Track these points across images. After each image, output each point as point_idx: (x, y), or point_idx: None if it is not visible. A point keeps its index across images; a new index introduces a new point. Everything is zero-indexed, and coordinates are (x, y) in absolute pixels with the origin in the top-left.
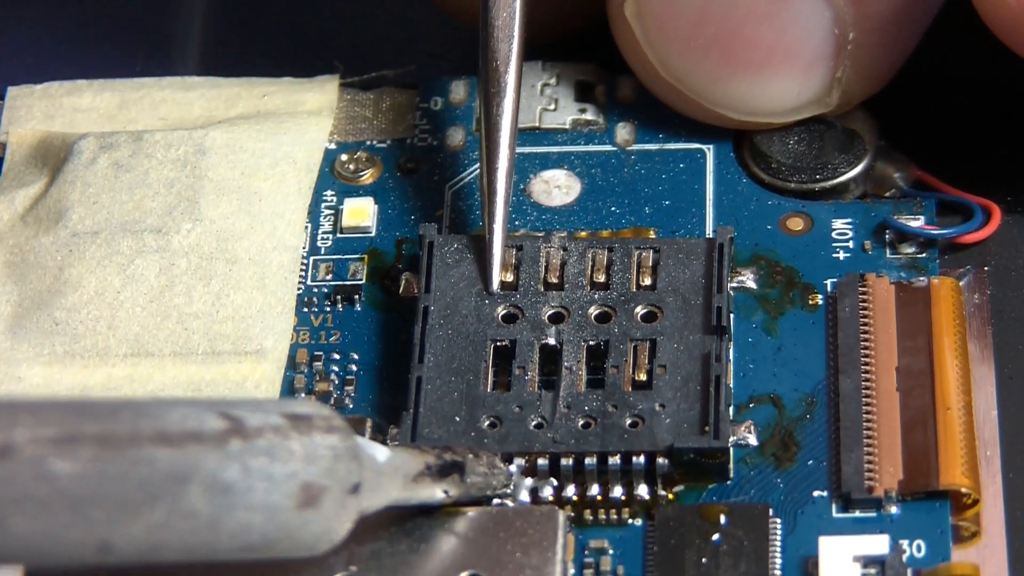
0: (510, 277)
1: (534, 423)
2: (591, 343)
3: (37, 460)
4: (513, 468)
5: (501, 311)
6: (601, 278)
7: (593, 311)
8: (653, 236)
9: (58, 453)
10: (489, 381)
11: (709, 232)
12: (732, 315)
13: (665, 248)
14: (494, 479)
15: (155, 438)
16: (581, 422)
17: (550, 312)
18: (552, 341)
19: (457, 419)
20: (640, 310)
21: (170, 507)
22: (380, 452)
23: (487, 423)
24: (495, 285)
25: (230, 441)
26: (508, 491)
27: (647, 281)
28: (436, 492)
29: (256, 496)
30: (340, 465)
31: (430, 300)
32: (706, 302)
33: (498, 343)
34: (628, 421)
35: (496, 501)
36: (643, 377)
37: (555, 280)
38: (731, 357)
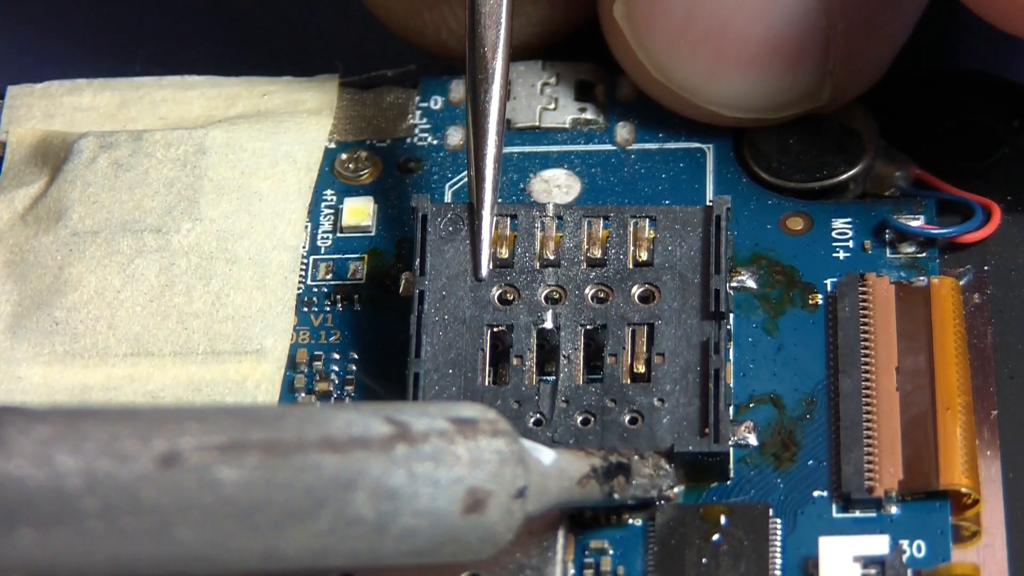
0: (505, 252)
1: (533, 419)
2: (588, 327)
3: (203, 468)
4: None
5: (496, 292)
6: (597, 253)
7: (589, 291)
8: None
9: (224, 461)
10: (487, 372)
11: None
12: (732, 297)
13: (661, 217)
14: (660, 480)
15: (321, 444)
16: (580, 418)
17: (546, 292)
18: (549, 325)
19: None
20: (637, 289)
21: (336, 513)
22: (546, 455)
23: None
24: (484, 272)
25: (396, 446)
26: (673, 493)
27: (643, 256)
28: (602, 494)
29: (422, 501)
30: (506, 469)
31: (425, 284)
32: (704, 283)
33: (495, 328)
34: (627, 418)
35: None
36: (641, 368)
37: (551, 256)
38: (731, 357)
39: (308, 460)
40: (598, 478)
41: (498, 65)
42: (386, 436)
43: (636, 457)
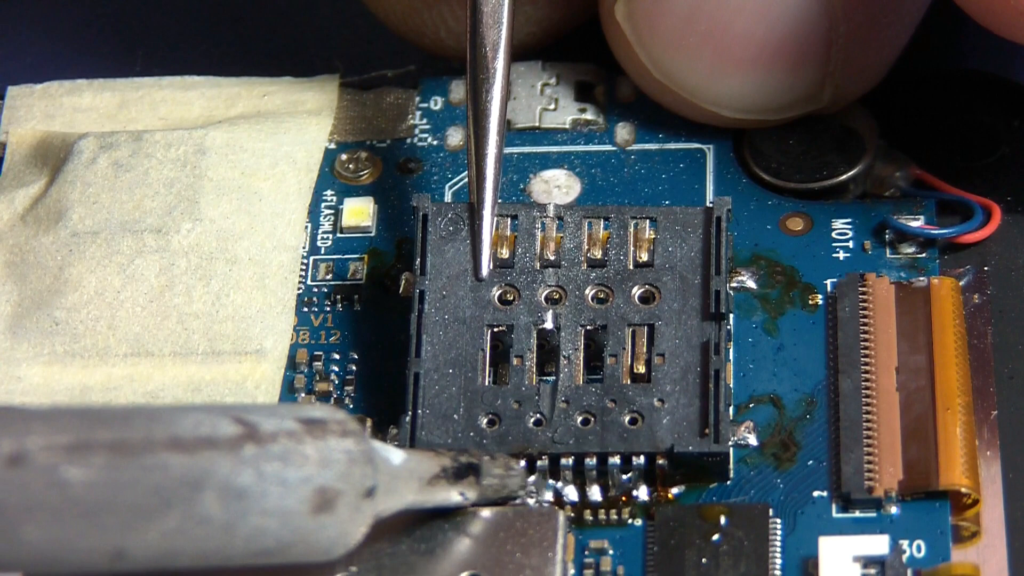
0: (505, 252)
1: (533, 420)
2: (588, 328)
3: (50, 468)
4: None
5: (497, 292)
6: (597, 254)
7: (590, 292)
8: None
9: (71, 460)
10: (487, 372)
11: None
12: (732, 298)
13: (662, 218)
14: (510, 480)
15: (168, 444)
16: (580, 418)
17: (546, 292)
18: (549, 325)
19: (456, 417)
20: (637, 290)
21: (184, 513)
22: (395, 455)
23: (485, 421)
24: (485, 272)
25: (244, 446)
26: (523, 493)
27: (644, 256)
28: (452, 495)
29: (270, 501)
30: (355, 469)
31: (425, 284)
32: (704, 284)
33: (495, 329)
34: (627, 418)
35: (514, 502)
36: (641, 368)
37: (551, 256)
38: (731, 357)
39: (156, 460)
40: (448, 478)
41: (499, 65)
42: (234, 436)
43: (486, 457)
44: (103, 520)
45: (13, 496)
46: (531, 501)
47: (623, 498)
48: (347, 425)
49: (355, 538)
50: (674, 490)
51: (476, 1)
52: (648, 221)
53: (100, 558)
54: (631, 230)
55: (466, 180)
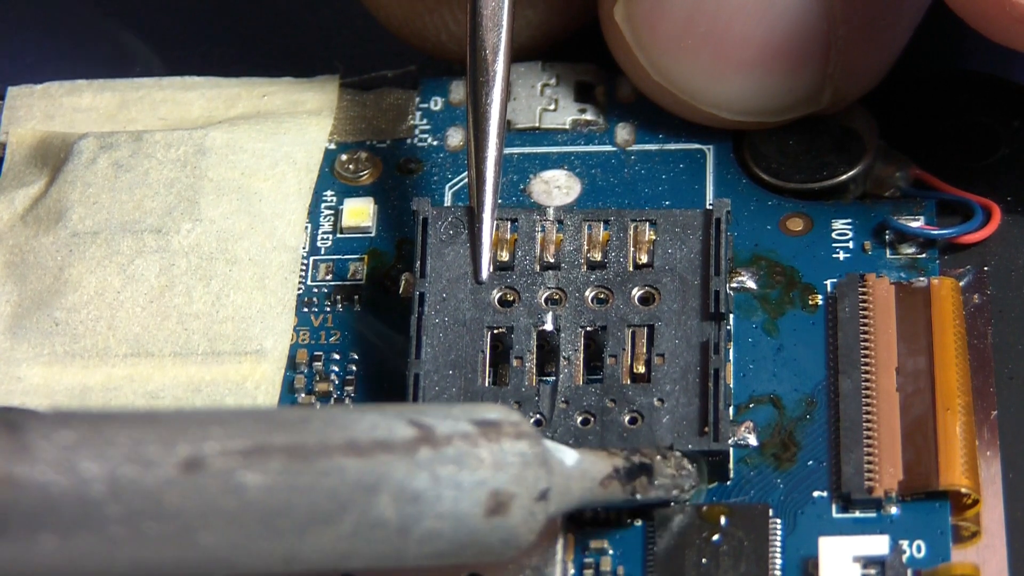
0: (505, 256)
1: (532, 420)
2: (588, 329)
3: (227, 473)
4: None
5: (497, 294)
6: (597, 256)
7: (590, 293)
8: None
9: (247, 465)
10: (487, 373)
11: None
12: (731, 298)
13: (662, 220)
14: (682, 480)
15: (344, 448)
16: (580, 418)
17: (546, 294)
18: (549, 327)
19: None
20: (637, 292)
21: (359, 517)
22: (568, 456)
23: None
24: (484, 276)
25: (419, 449)
26: (695, 492)
27: (644, 258)
28: (624, 495)
29: (445, 504)
30: (529, 472)
31: (425, 286)
32: (704, 284)
33: (495, 331)
34: (627, 418)
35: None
36: (641, 369)
37: (551, 259)
38: (731, 358)
39: (331, 464)
40: (620, 479)
41: (499, 68)
42: (409, 439)
43: (659, 457)
44: (279, 525)
45: (190, 502)
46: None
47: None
48: (521, 427)
49: (528, 539)
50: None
51: (476, 5)
52: (648, 223)
53: (275, 562)
54: (631, 232)
55: (466, 181)
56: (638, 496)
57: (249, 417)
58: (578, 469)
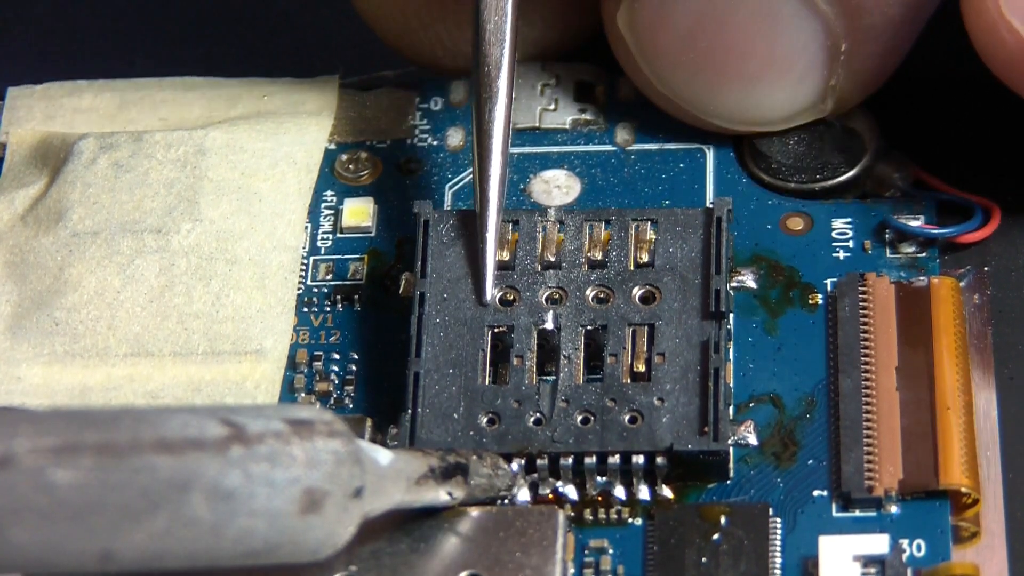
0: (506, 255)
1: (532, 419)
2: (589, 328)
3: (37, 470)
4: (515, 467)
5: (497, 294)
6: (598, 255)
7: (590, 292)
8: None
9: (58, 463)
10: (487, 372)
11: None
12: (731, 297)
13: (663, 219)
14: (498, 480)
15: (156, 446)
16: (580, 417)
17: (547, 293)
18: (550, 326)
19: (456, 416)
20: (638, 291)
21: (172, 515)
22: (383, 455)
23: (485, 420)
24: (488, 296)
25: (231, 447)
26: (512, 492)
27: (644, 258)
28: (440, 494)
29: (258, 502)
30: (342, 469)
31: (426, 286)
32: (704, 283)
33: (495, 329)
34: (627, 417)
35: (501, 502)
36: (641, 367)
37: (552, 258)
38: (731, 357)
39: (143, 461)
40: (436, 478)
41: (502, 83)
42: (221, 437)
43: (474, 457)
44: (91, 522)
45: (0, 498)
46: (521, 498)
47: (623, 497)
48: (334, 426)
49: (343, 538)
50: (672, 489)
51: (479, 22)
52: (649, 223)
53: (88, 559)
54: (632, 232)
55: (466, 181)
56: (453, 495)
57: (59, 415)
58: (392, 468)
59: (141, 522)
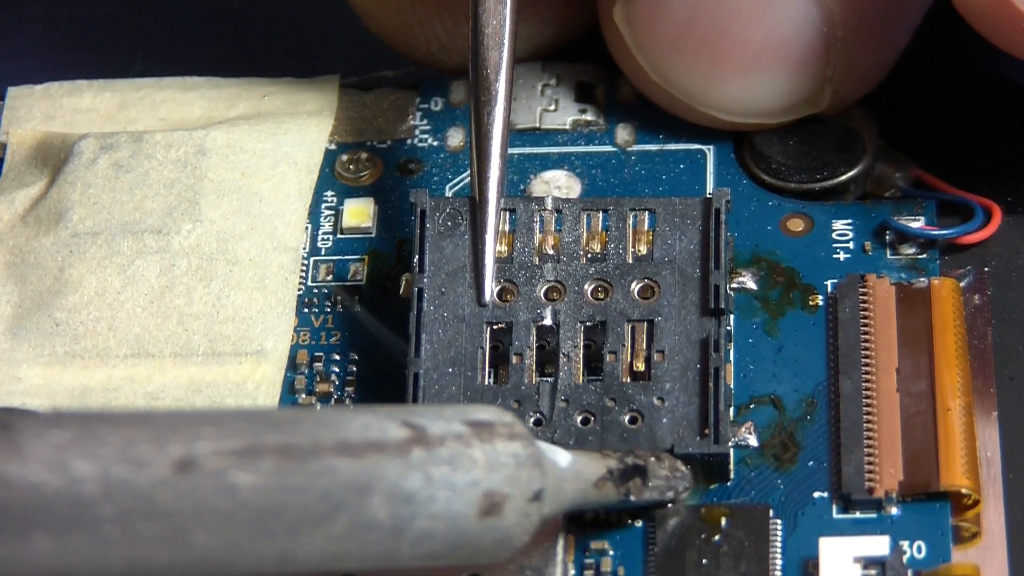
0: (504, 248)
1: (533, 419)
2: (588, 324)
3: (219, 473)
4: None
5: (496, 287)
6: (596, 247)
7: (589, 287)
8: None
9: (240, 465)
10: (486, 371)
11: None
12: (731, 298)
13: (661, 210)
14: (676, 482)
15: (337, 448)
16: (579, 418)
17: (546, 287)
18: (548, 321)
19: None
20: (636, 285)
21: (352, 518)
22: (562, 458)
23: None
24: (487, 297)
25: (412, 450)
26: (687, 494)
27: (643, 250)
28: (618, 496)
29: (438, 505)
30: (522, 473)
31: (423, 281)
32: (703, 278)
33: (494, 326)
34: (627, 417)
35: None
36: (641, 366)
37: (550, 251)
38: (731, 358)
39: (324, 464)
40: (614, 480)
41: (501, 86)
42: (402, 440)
43: (652, 459)
44: (271, 525)
45: (182, 502)
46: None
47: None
48: (514, 428)
49: (521, 541)
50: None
51: (477, 24)
52: (647, 213)
53: (268, 562)
54: (629, 223)
55: (466, 180)
56: (632, 498)
57: (241, 417)
58: (572, 470)
59: (321, 525)
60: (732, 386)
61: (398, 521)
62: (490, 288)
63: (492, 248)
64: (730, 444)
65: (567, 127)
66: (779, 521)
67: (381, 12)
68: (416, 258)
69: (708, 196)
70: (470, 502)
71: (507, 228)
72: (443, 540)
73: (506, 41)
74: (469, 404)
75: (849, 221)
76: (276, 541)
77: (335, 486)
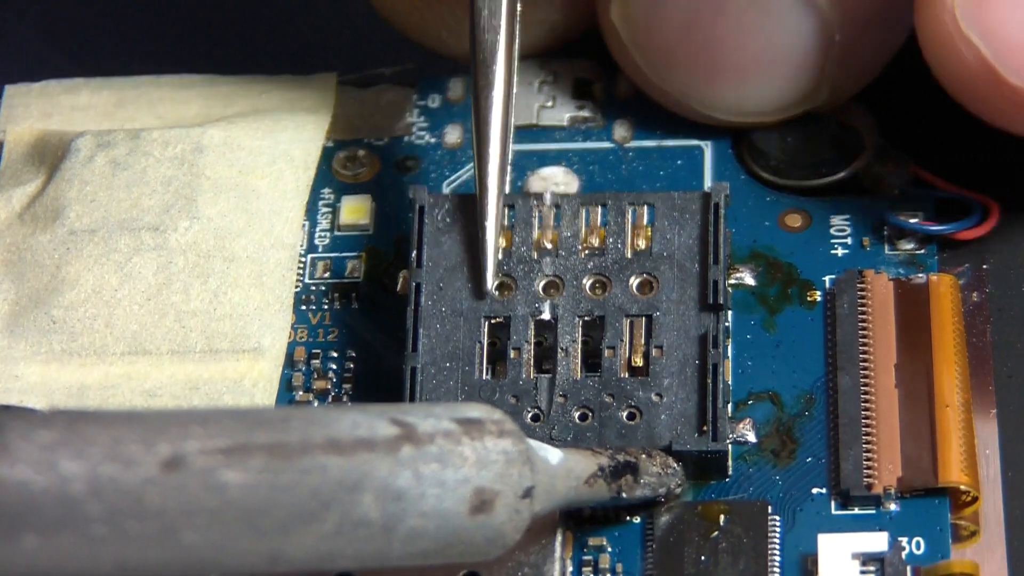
0: (503, 242)
1: (530, 415)
2: (586, 318)
3: (208, 471)
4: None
5: (494, 282)
6: (595, 242)
7: (587, 281)
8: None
9: (229, 464)
10: (484, 366)
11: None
12: (730, 294)
13: (659, 204)
14: (668, 479)
15: (326, 446)
16: (577, 414)
17: (544, 282)
18: (547, 316)
19: None
20: (635, 280)
21: (342, 516)
22: (553, 455)
23: None
24: (489, 285)
25: (402, 448)
26: (680, 491)
27: (641, 244)
28: (609, 494)
29: (428, 503)
30: (513, 470)
31: (421, 276)
32: (702, 273)
33: (492, 320)
34: (625, 413)
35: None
36: (639, 361)
37: (548, 245)
38: (730, 354)
39: (313, 462)
40: (606, 477)
41: (498, 70)
42: (392, 437)
43: (644, 456)
44: (261, 523)
45: (171, 500)
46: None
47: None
48: (504, 425)
49: (513, 538)
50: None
51: (474, 8)
52: (646, 207)
53: (258, 560)
54: (628, 217)
55: (464, 178)
56: (624, 495)
57: (230, 416)
58: (563, 467)
59: (311, 523)
60: (730, 382)
61: (388, 519)
62: (491, 277)
63: (493, 233)
64: (728, 440)
65: (565, 123)
66: (778, 517)
67: None
68: (414, 253)
69: (707, 190)
70: (460, 499)
71: (506, 223)
72: (434, 538)
73: (502, 25)
74: (459, 402)
75: (847, 217)
76: (266, 539)
77: (325, 484)
